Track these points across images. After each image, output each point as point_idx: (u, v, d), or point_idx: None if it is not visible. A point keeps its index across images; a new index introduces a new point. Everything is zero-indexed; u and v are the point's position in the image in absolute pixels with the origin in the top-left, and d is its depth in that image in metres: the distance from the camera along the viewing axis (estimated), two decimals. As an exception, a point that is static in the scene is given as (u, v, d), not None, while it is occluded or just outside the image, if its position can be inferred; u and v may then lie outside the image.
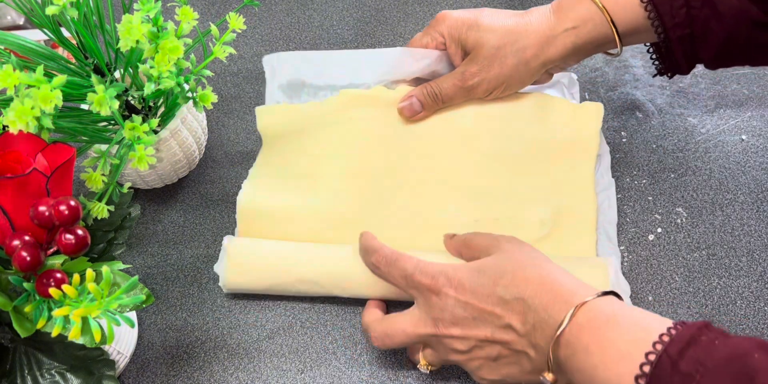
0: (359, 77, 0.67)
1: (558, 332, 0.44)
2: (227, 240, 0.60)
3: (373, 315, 0.55)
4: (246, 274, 0.59)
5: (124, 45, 0.51)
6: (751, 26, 0.53)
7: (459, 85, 0.62)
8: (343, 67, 0.68)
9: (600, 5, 0.56)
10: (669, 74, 0.60)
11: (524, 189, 0.62)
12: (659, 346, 0.40)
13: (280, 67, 0.68)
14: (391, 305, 0.58)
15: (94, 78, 0.51)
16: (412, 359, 0.54)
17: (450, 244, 0.57)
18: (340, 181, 0.63)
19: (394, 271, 0.53)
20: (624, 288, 0.56)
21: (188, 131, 0.62)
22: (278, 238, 0.61)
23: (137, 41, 0.50)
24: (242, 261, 0.59)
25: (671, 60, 0.58)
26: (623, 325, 0.43)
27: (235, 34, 0.58)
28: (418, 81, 0.66)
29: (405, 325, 0.51)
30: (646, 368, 0.40)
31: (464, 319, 0.49)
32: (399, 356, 0.57)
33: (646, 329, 0.42)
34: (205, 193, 0.67)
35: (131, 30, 0.50)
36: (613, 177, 0.64)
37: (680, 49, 0.56)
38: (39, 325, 0.43)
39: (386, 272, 0.54)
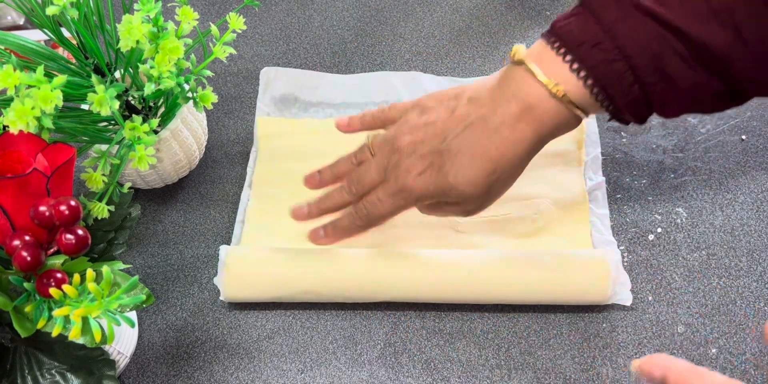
0: (352, 96, 0.71)
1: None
2: (224, 251, 0.59)
3: None
4: (247, 287, 0.58)
5: (125, 45, 0.51)
6: (711, 97, 0.49)
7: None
8: (336, 87, 0.72)
9: (554, 92, 0.49)
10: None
11: (518, 191, 0.62)
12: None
13: (276, 80, 0.72)
14: (398, 307, 0.59)
15: (94, 78, 0.51)
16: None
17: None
18: None
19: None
20: (624, 280, 0.57)
21: (188, 131, 0.62)
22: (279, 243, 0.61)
23: (137, 41, 0.50)
24: (241, 273, 0.58)
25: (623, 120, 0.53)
26: None
27: (235, 34, 0.58)
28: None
29: None
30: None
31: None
32: (399, 356, 0.57)
33: None
34: (205, 193, 0.67)
35: (131, 30, 0.50)
36: (612, 177, 0.64)
37: (635, 119, 0.51)
38: (39, 325, 0.43)
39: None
